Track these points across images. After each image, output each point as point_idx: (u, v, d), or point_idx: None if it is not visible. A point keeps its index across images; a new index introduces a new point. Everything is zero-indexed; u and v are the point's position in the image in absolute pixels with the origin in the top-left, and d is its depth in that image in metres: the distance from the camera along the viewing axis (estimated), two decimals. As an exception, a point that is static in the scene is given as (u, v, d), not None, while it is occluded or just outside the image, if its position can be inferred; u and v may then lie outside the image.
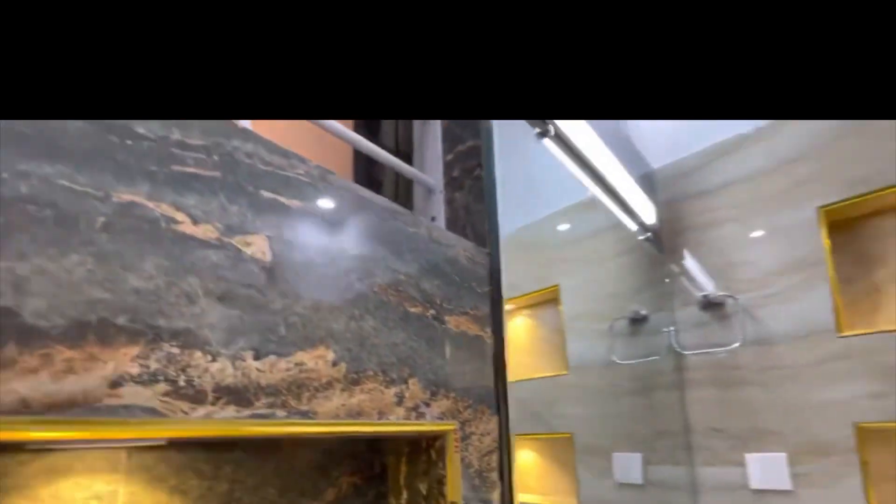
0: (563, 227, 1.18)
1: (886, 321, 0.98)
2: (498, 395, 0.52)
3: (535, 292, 1.14)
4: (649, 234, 1.14)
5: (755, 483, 1.04)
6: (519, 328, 1.23)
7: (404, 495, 0.46)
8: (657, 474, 1.00)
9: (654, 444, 1.01)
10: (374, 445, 0.47)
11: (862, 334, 0.96)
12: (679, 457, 1.08)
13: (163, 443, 0.31)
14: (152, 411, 0.25)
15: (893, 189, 0.95)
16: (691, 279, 1.13)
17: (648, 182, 1.21)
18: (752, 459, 1.04)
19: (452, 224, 0.65)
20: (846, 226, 1.05)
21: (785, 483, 1.01)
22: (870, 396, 0.93)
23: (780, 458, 1.01)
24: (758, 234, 1.08)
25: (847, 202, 1.00)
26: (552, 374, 0.87)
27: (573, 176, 0.91)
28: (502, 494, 0.49)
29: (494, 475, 0.49)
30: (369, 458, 0.46)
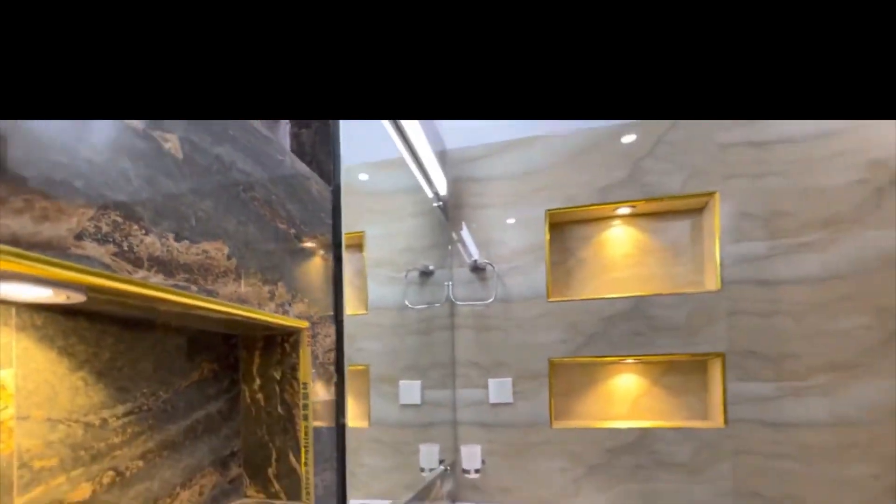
0: (373, 178, 1.31)
1: (574, 293, 1.51)
2: (336, 307, 0.64)
3: (346, 234, 1.26)
4: (440, 202, 1.38)
5: (492, 399, 1.46)
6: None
7: (257, 382, 0.53)
8: (431, 396, 1.25)
9: (430, 372, 1.25)
10: (229, 340, 0.53)
11: (560, 301, 1.44)
12: (447, 382, 1.41)
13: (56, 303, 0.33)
14: (106, 266, 0.29)
15: (582, 208, 1.45)
16: (465, 246, 1.45)
17: (442, 159, 1.45)
18: (492, 383, 1.46)
19: (300, 158, 0.71)
20: (558, 226, 1.55)
21: (509, 398, 1.45)
22: (559, 341, 1.42)
23: (508, 381, 1.45)
24: (511, 220, 1.49)
25: (561, 210, 1.46)
26: (353, 312, 0.90)
27: (389, 135, 1.06)
28: (337, 384, 0.61)
29: (332, 368, 0.61)
30: (225, 351, 0.52)
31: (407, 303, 1.09)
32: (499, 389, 1.44)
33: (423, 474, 1.13)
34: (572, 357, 1.41)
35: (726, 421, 1.32)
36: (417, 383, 1.15)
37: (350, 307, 0.72)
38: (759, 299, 1.29)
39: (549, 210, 1.44)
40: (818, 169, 1.29)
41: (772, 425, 1.31)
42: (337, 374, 0.62)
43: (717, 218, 1.34)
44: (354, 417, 0.79)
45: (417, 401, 1.15)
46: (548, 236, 1.45)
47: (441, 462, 1.27)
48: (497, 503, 1.44)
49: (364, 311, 0.88)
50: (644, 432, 1.36)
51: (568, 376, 1.52)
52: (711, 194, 1.35)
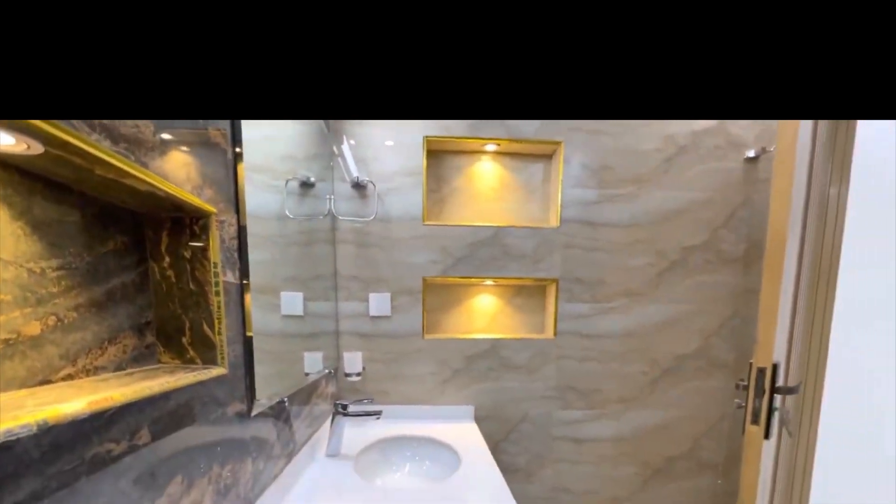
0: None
1: (447, 219, 1.66)
2: (236, 196, 0.68)
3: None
4: (324, 114, 1.39)
5: (373, 312, 1.57)
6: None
7: (166, 260, 0.58)
8: (312, 308, 1.29)
9: (312, 284, 1.29)
10: (136, 217, 0.56)
11: (434, 224, 1.58)
12: (329, 294, 1.48)
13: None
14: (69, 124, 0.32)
15: (457, 139, 1.57)
16: (346, 162, 1.44)
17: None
18: (373, 297, 1.57)
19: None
20: (435, 154, 1.66)
21: (388, 311, 1.57)
22: (431, 262, 1.58)
23: (387, 296, 1.57)
24: (390, 143, 1.54)
25: (437, 138, 1.56)
26: None
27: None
28: (241, 269, 0.67)
29: (236, 255, 0.66)
30: (132, 226, 0.55)
31: (287, 213, 1.05)
32: (379, 303, 1.56)
33: (308, 377, 1.23)
34: (443, 277, 1.59)
35: (556, 333, 1.65)
36: (299, 295, 1.16)
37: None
38: (585, 236, 1.61)
39: (426, 136, 1.54)
40: (635, 134, 1.60)
41: (585, 336, 1.68)
42: (240, 261, 0.68)
43: (560, 164, 1.59)
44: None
45: (300, 312, 1.17)
46: (425, 162, 1.55)
47: (326, 368, 1.38)
48: (375, 400, 1.61)
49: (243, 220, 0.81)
50: (496, 342, 1.64)
51: (438, 294, 1.71)
52: (558, 143, 1.59)
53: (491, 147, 1.63)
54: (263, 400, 0.85)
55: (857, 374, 1.97)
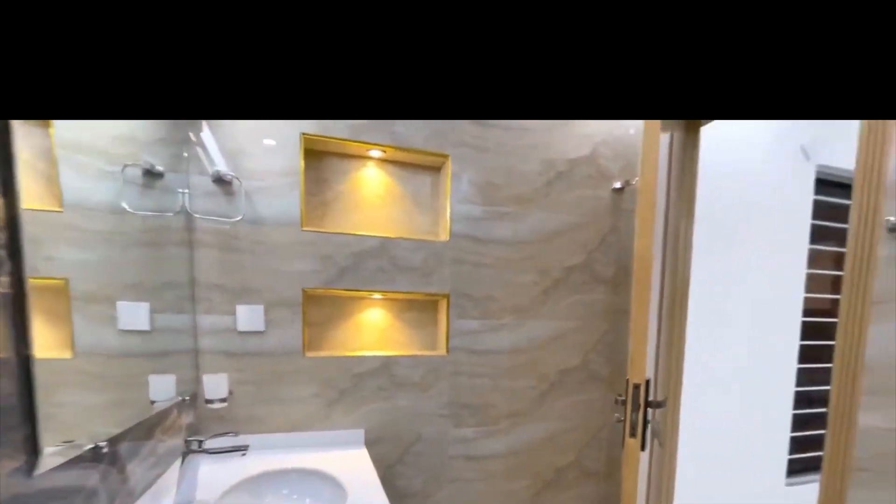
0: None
1: (329, 226, 1.53)
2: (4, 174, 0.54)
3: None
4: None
5: (242, 327, 1.36)
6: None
7: None
8: (162, 321, 1.08)
9: (162, 294, 1.08)
10: None
11: (315, 231, 1.44)
12: (184, 306, 1.25)
13: None
14: None
15: (337, 140, 1.44)
16: (207, 152, 1.25)
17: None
18: (241, 309, 1.36)
19: None
20: (316, 155, 1.51)
21: (261, 326, 1.38)
22: (312, 272, 1.43)
23: (260, 308, 1.38)
24: (263, 137, 1.35)
25: (315, 136, 1.41)
26: (36, 206, 0.63)
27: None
28: (13, 272, 0.50)
29: (3, 253, 0.50)
30: None
31: (125, 206, 0.86)
32: (249, 316, 1.36)
33: (155, 406, 1.00)
34: (326, 288, 1.45)
35: (448, 350, 1.61)
36: (145, 305, 0.97)
37: (30, 198, 0.55)
38: (473, 252, 1.60)
39: (304, 134, 1.39)
40: (517, 155, 1.64)
41: (476, 352, 1.66)
42: (12, 261, 0.52)
43: (448, 178, 1.57)
44: (47, 346, 0.61)
45: (145, 326, 0.97)
46: (303, 163, 1.40)
47: (180, 394, 1.16)
48: (245, 431, 1.38)
49: (57, 208, 0.66)
50: (387, 359, 1.54)
51: (322, 307, 1.55)
52: (446, 156, 1.56)
53: (376, 153, 1.54)
54: (57, 448, 0.62)
55: (705, 388, 2.17)
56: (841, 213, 2.47)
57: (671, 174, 1.68)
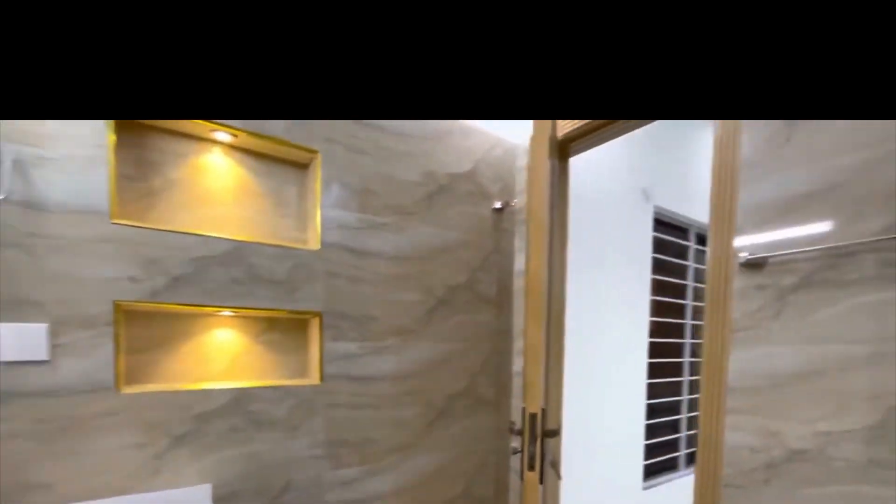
0: None
1: (157, 221, 1.21)
2: None
3: None
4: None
5: (6, 355, 0.95)
6: None
7: None
8: None
9: None
10: None
11: (132, 226, 1.10)
12: None
13: None
14: None
15: None
16: None
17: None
18: (5, 329, 0.96)
19: None
20: (137, 129, 1.17)
21: (43, 353, 0.99)
22: (129, 279, 1.09)
23: (40, 328, 0.99)
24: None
25: None
26: None
27: None
28: None
29: None
30: None
31: None
32: (20, 339, 0.96)
33: None
34: (152, 302, 1.11)
35: (322, 377, 1.39)
36: None
37: None
38: (350, 265, 1.42)
39: None
40: (396, 162, 1.52)
41: (356, 379, 1.47)
42: None
43: (318, 180, 1.37)
44: None
45: None
46: (113, 135, 1.07)
47: None
48: None
49: None
50: (241, 393, 1.26)
51: (148, 327, 1.20)
52: (314, 153, 1.36)
53: (224, 137, 1.25)
54: None
55: (580, 406, 2.18)
56: (671, 249, 2.88)
57: (553, 200, 1.73)
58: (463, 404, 1.75)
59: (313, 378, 1.41)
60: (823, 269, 1.00)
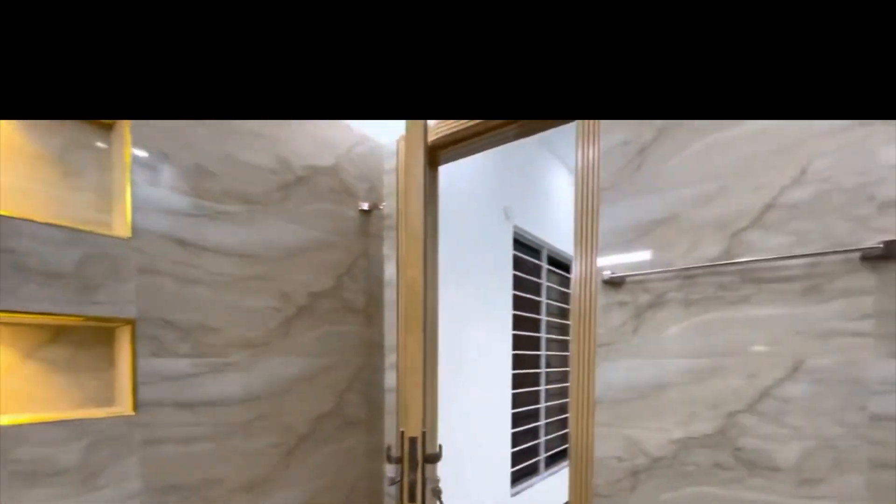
0: None
1: None
2: None
3: None
4: None
5: None
6: None
7: None
8: None
9: None
10: None
11: None
12: None
13: None
14: None
15: None
16: None
17: None
18: None
19: None
20: None
21: None
22: None
23: None
24: None
25: None
26: None
27: None
28: None
29: None
30: None
31: None
32: None
33: None
34: None
35: (136, 406, 1.10)
36: None
37: None
38: (179, 260, 1.17)
39: None
40: (241, 140, 1.30)
41: (188, 406, 1.19)
42: None
43: (127, 145, 1.07)
44: None
45: None
46: None
47: None
48: None
49: None
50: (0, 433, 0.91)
51: None
52: None
53: None
54: None
55: (453, 420, 2.08)
56: (528, 267, 3.10)
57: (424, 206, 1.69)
58: (331, 426, 1.57)
59: (123, 406, 1.10)
60: (672, 289, 1.10)
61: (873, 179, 0.89)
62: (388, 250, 1.79)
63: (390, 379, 1.76)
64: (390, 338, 1.78)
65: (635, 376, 1.15)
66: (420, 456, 1.20)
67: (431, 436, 1.59)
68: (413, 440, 1.20)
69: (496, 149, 2.55)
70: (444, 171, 1.74)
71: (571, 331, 1.26)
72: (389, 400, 1.78)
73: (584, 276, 1.23)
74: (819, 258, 0.94)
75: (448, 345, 2.14)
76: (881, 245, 0.87)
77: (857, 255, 0.91)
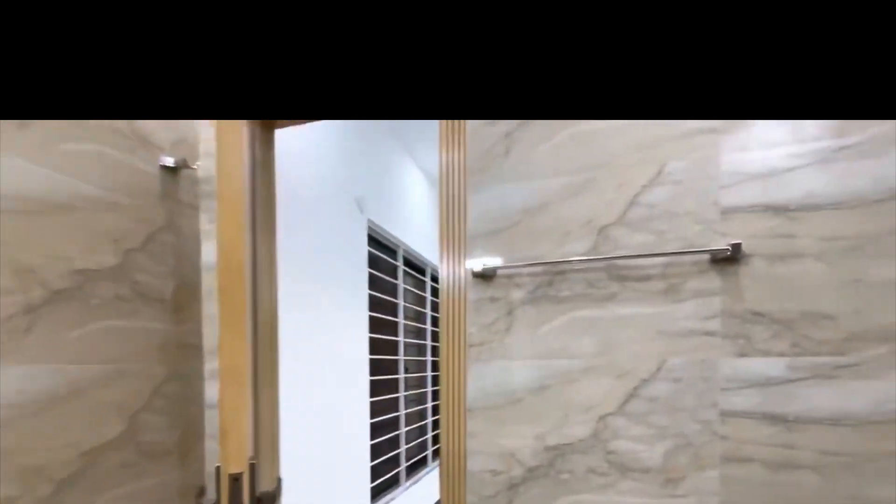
0: None
1: None
2: None
3: None
4: None
5: None
6: None
7: None
8: None
9: None
10: None
11: None
12: None
13: None
14: None
15: None
16: None
17: None
18: None
19: None
20: None
21: None
22: None
23: None
24: None
25: None
26: None
27: None
28: None
29: None
30: None
31: None
32: None
33: None
34: None
35: None
36: None
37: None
38: None
39: None
40: None
41: None
42: None
43: None
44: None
45: None
46: None
47: None
48: None
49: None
50: None
51: None
52: None
53: None
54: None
55: (298, 439, 1.74)
56: (383, 266, 2.93)
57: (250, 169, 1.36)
58: (115, 463, 1.12)
59: None
60: (544, 284, 1.04)
61: (718, 185, 0.94)
62: (206, 225, 1.41)
63: (212, 391, 1.37)
64: (212, 338, 1.39)
65: (510, 379, 1.08)
66: (248, 497, 0.89)
67: (268, 467, 1.25)
68: (236, 477, 0.89)
69: (346, 139, 2.36)
70: (287, 155, 1.47)
71: (442, 330, 1.14)
72: (210, 417, 1.37)
73: (453, 267, 1.14)
74: (674, 258, 0.95)
75: (295, 351, 1.82)
76: (728, 248, 0.91)
77: (707, 256, 0.94)
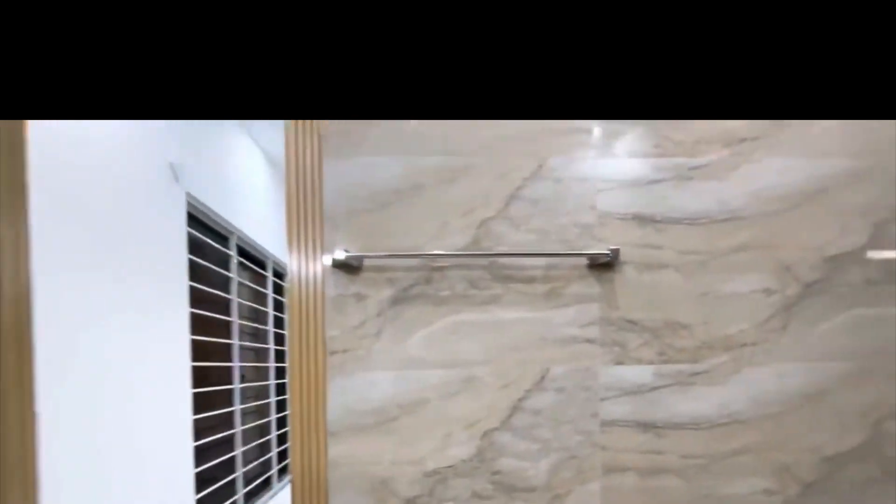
0: None
1: None
2: None
3: None
4: None
5: None
6: None
7: None
8: None
9: None
10: None
11: None
12: None
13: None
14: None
15: None
16: None
17: None
18: None
19: None
20: None
21: None
22: None
23: None
24: None
25: None
26: None
27: None
28: None
29: None
30: None
31: None
32: None
33: None
34: None
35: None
36: None
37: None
38: None
39: None
40: None
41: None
42: None
43: None
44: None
45: None
46: None
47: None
48: None
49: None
50: None
51: None
52: None
53: None
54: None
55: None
56: (210, 255, 2.18)
57: None
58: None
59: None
60: (421, 282, 0.89)
61: (595, 189, 0.91)
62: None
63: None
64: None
65: (381, 393, 0.89)
66: None
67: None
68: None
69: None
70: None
71: (290, 333, 0.87)
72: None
73: (305, 253, 0.87)
74: (557, 260, 0.91)
75: (76, 360, 1.27)
76: (609, 252, 0.88)
77: (585, 260, 0.91)
